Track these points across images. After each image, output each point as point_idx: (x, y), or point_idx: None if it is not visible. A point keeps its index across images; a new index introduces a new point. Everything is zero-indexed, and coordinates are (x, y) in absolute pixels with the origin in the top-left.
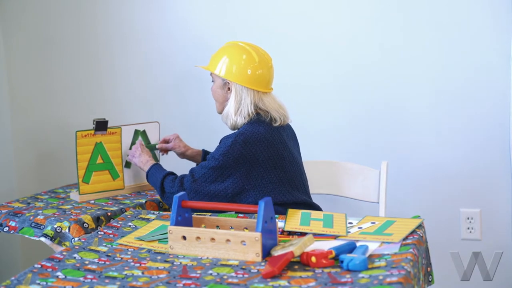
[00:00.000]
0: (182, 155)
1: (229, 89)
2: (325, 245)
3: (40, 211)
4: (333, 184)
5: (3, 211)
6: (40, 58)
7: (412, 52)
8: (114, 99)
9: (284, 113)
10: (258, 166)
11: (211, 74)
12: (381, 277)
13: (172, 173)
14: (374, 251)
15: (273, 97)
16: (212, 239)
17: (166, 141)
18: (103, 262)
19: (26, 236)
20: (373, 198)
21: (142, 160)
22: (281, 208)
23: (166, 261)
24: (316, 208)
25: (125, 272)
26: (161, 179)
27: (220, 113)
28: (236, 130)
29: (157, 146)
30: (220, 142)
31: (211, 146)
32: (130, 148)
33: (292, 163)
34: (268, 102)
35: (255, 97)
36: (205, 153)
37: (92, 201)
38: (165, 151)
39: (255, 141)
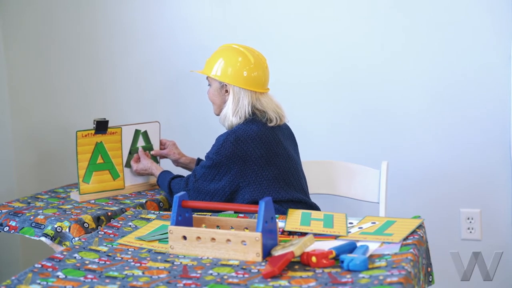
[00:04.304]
0: (176, 162)
1: (226, 91)
2: (326, 245)
3: (41, 211)
4: (333, 184)
5: (3, 210)
6: (40, 58)
7: (412, 51)
8: (114, 99)
9: (281, 112)
10: (251, 163)
11: (207, 77)
12: (381, 277)
13: (178, 176)
14: (375, 251)
15: (270, 97)
16: (213, 239)
17: (163, 144)
18: (103, 262)
19: (27, 236)
20: (373, 198)
21: (145, 166)
22: (277, 206)
23: (166, 261)
24: (314, 207)
25: (125, 272)
26: (167, 183)
27: (218, 115)
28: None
29: (152, 153)
30: (215, 141)
31: (211, 146)
32: (128, 164)
33: (288, 162)
34: (266, 102)
35: (252, 98)
36: (199, 161)
37: (93, 201)
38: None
39: (246, 138)
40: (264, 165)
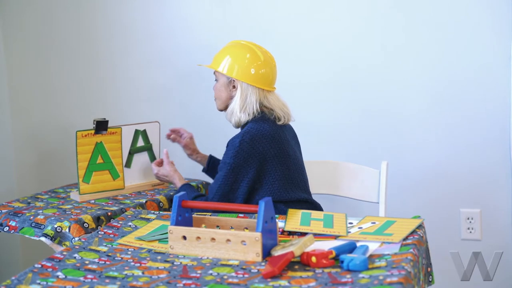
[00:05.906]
0: (190, 156)
1: (234, 87)
2: (326, 245)
3: (40, 211)
4: (333, 184)
5: (3, 210)
6: (40, 58)
7: (412, 51)
8: (114, 99)
9: (288, 111)
10: (267, 163)
11: (214, 72)
12: (381, 277)
13: (200, 195)
14: (375, 251)
15: (277, 96)
16: (212, 239)
17: (178, 132)
18: (103, 262)
19: (26, 236)
20: (373, 198)
21: (168, 173)
22: (284, 206)
23: (166, 261)
24: (317, 206)
25: (125, 272)
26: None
27: (221, 110)
28: (240, 129)
29: (171, 137)
30: (227, 146)
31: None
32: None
33: (295, 161)
34: (273, 100)
35: (260, 95)
36: (211, 158)
37: (92, 201)
38: (174, 140)
39: (261, 137)
40: (278, 164)
